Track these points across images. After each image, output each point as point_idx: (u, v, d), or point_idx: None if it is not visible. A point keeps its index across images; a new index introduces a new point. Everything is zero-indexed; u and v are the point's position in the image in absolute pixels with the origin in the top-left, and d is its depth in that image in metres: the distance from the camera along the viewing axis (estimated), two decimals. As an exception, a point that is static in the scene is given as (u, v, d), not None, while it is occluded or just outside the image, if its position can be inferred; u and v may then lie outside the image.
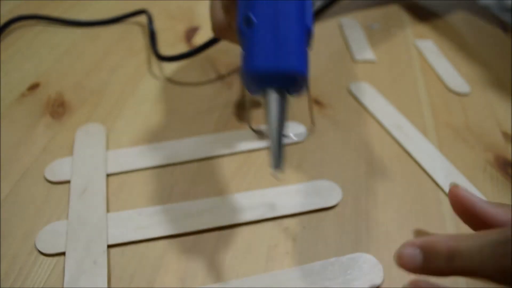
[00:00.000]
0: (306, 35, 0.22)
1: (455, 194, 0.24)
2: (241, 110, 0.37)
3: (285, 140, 0.21)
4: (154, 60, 0.43)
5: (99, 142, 0.33)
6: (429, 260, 0.21)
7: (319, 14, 0.51)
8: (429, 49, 0.46)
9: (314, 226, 0.28)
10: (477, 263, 0.19)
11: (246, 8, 0.22)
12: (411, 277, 0.26)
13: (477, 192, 0.30)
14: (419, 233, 0.28)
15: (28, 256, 0.26)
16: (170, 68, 0.42)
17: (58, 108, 0.37)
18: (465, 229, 0.24)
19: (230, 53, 0.44)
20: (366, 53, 0.45)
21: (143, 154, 0.32)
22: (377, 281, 0.25)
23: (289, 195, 0.29)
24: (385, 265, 0.26)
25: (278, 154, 0.21)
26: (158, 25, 0.48)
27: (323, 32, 0.49)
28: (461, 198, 0.24)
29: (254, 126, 0.27)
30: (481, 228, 0.23)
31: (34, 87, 0.39)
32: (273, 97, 0.22)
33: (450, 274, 0.20)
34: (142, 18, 0.49)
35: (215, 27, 0.32)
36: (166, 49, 0.44)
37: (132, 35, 0.46)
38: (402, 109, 0.38)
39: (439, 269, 0.21)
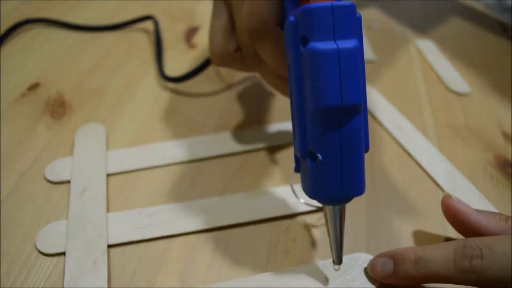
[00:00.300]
0: (364, 154, 0.23)
1: (447, 205, 0.25)
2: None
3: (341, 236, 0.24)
4: (154, 60, 0.43)
5: (99, 142, 0.33)
6: (398, 266, 0.23)
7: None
8: (429, 49, 0.46)
9: (314, 226, 0.28)
10: (440, 266, 0.22)
11: (309, 142, 0.22)
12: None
13: (477, 192, 0.30)
14: (418, 233, 0.28)
15: (28, 256, 0.26)
16: (170, 68, 0.42)
17: (58, 108, 0.37)
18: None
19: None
20: (366, 53, 0.45)
21: (143, 154, 0.32)
22: (377, 281, 0.25)
23: (289, 195, 0.29)
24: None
25: (338, 252, 0.24)
26: (158, 25, 0.48)
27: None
28: (454, 209, 0.25)
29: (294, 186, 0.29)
30: (473, 236, 0.23)
31: (34, 87, 0.39)
32: (332, 212, 0.23)
33: (418, 279, 0.23)
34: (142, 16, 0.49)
35: (217, 56, 0.29)
36: (166, 49, 0.44)
37: (132, 35, 0.46)
38: (402, 109, 0.38)
39: (408, 274, 0.23)
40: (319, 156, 0.22)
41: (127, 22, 0.47)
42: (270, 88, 0.39)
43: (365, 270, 0.25)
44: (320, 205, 0.28)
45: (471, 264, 0.21)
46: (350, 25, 0.20)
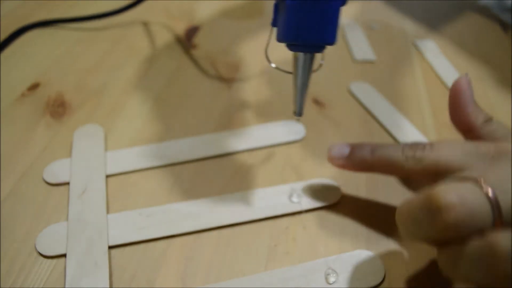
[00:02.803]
0: (340, 7, 0.24)
1: (459, 85, 0.28)
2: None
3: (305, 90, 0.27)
4: (154, 60, 0.43)
5: (97, 143, 0.33)
6: (355, 150, 0.27)
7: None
8: (429, 49, 0.46)
9: (314, 226, 0.28)
10: (391, 153, 0.26)
11: None
12: (409, 271, 0.26)
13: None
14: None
15: (28, 256, 0.26)
16: (170, 68, 0.42)
17: (58, 108, 0.37)
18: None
19: (230, 53, 0.44)
20: (366, 53, 0.45)
21: (143, 154, 0.32)
22: (378, 278, 0.25)
23: (289, 194, 0.29)
24: (386, 262, 0.26)
25: (301, 103, 0.27)
26: (158, 25, 0.48)
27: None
28: (460, 89, 0.27)
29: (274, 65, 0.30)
30: (457, 120, 0.27)
31: (34, 87, 0.39)
32: (303, 59, 0.25)
33: (370, 163, 0.26)
34: (143, 18, 0.49)
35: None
36: (166, 49, 0.44)
37: (132, 35, 0.46)
38: (402, 109, 0.38)
39: (362, 158, 0.27)
40: None
41: (126, 7, 0.47)
42: (271, 88, 0.39)
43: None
44: (288, 69, 0.28)
45: (414, 153, 0.25)
46: None
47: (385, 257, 0.26)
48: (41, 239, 0.26)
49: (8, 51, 0.43)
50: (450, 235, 0.20)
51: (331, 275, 0.25)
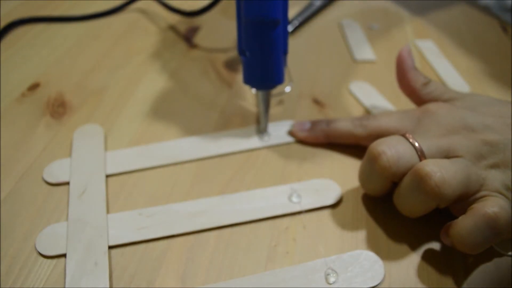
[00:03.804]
0: (284, 55, 0.33)
1: (401, 55, 0.32)
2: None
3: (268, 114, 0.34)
4: (154, 60, 0.43)
5: (97, 143, 0.33)
6: (315, 124, 0.34)
7: (319, 14, 0.52)
8: (429, 49, 0.46)
9: (314, 226, 0.28)
10: (343, 124, 0.32)
11: (242, 42, 0.31)
12: (409, 270, 0.26)
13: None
14: (418, 231, 0.28)
15: (28, 256, 0.26)
16: (170, 68, 0.42)
17: (58, 108, 0.37)
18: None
19: (230, 53, 0.44)
20: (366, 53, 0.45)
21: (143, 154, 0.32)
22: (378, 278, 0.25)
23: (289, 194, 0.29)
24: (386, 262, 0.26)
25: (265, 122, 0.34)
26: (158, 24, 0.48)
27: (323, 32, 0.49)
28: (403, 61, 0.32)
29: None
30: (405, 86, 0.33)
31: (34, 87, 0.39)
32: (261, 94, 0.33)
33: (328, 133, 0.33)
34: (143, 18, 0.49)
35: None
36: (166, 49, 0.44)
37: (132, 35, 0.46)
38: (402, 109, 0.38)
39: (321, 130, 0.33)
40: (247, 53, 0.31)
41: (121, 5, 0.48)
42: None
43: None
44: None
45: (361, 122, 0.32)
46: None
47: (385, 257, 0.26)
48: (41, 239, 0.26)
49: (9, 51, 0.43)
50: (387, 176, 0.26)
51: (331, 275, 0.25)
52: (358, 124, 0.32)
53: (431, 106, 0.29)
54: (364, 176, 0.28)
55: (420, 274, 0.26)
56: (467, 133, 0.27)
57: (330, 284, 0.24)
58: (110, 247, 0.26)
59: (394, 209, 0.28)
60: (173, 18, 0.49)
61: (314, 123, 0.34)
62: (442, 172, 0.24)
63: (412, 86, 0.32)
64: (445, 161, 0.25)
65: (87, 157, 0.32)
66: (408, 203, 0.26)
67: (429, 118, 0.29)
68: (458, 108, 0.29)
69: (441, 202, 0.25)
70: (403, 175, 0.26)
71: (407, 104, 0.39)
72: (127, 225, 0.27)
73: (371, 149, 0.27)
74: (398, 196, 0.27)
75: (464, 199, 0.25)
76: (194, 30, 0.48)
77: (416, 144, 0.26)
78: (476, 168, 0.25)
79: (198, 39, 0.46)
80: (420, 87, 0.31)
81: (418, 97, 0.31)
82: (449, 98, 0.30)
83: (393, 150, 0.26)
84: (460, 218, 0.24)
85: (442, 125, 0.28)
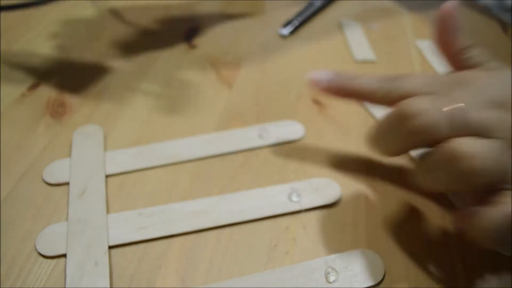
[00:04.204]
0: None
1: (446, 7, 0.28)
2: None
3: None
4: (154, 60, 0.43)
5: (96, 143, 0.33)
6: (339, 75, 0.29)
7: (319, 14, 0.52)
8: (429, 49, 0.46)
9: (314, 225, 0.28)
10: (368, 81, 0.28)
11: None
12: (409, 269, 0.26)
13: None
14: (417, 231, 0.28)
15: (28, 256, 0.26)
16: (170, 68, 0.42)
17: (58, 108, 0.37)
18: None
19: (230, 53, 0.44)
20: (366, 53, 0.45)
21: (143, 154, 0.32)
22: (378, 276, 0.25)
23: (289, 194, 0.29)
24: (386, 262, 0.26)
25: None
26: (158, 25, 0.48)
27: (323, 32, 0.49)
28: (449, 13, 0.29)
29: None
30: (443, 45, 0.29)
31: (34, 87, 0.39)
32: None
33: (351, 91, 0.29)
34: (143, 18, 0.49)
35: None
36: (166, 49, 0.44)
37: (132, 35, 0.46)
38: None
39: (344, 83, 0.29)
40: None
41: None
42: (270, 88, 0.39)
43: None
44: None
45: (389, 83, 0.27)
46: None
47: (385, 256, 0.26)
48: (41, 239, 0.26)
49: (9, 51, 0.43)
50: (415, 141, 0.24)
51: (331, 274, 0.25)
52: (385, 82, 0.28)
53: (471, 74, 0.26)
54: (385, 135, 0.25)
55: (420, 273, 0.26)
56: (506, 112, 0.23)
57: (330, 283, 0.24)
58: (110, 247, 0.26)
59: (394, 208, 0.28)
60: (173, 18, 0.49)
61: (338, 74, 0.30)
62: (483, 156, 0.21)
63: (455, 46, 0.28)
64: (485, 142, 0.22)
65: (87, 157, 0.32)
66: (432, 179, 0.24)
67: (469, 86, 0.25)
68: (502, 80, 0.25)
69: (469, 187, 0.22)
70: (435, 143, 0.23)
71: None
72: (127, 225, 0.27)
73: (404, 106, 0.24)
74: (422, 169, 0.24)
75: (488, 189, 0.23)
76: (194, 30, 0.48)
77: (449, 112, 0.23)
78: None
79: (198, 39, 0.46)
80: (463, 49, 0.28)
81: (457, 61, 0.28)
82: (493, 67, 0.27)
83: (428, 115, 0.23)
84: (488, 209, 0.22)
85: (480, 98, 0.24)
